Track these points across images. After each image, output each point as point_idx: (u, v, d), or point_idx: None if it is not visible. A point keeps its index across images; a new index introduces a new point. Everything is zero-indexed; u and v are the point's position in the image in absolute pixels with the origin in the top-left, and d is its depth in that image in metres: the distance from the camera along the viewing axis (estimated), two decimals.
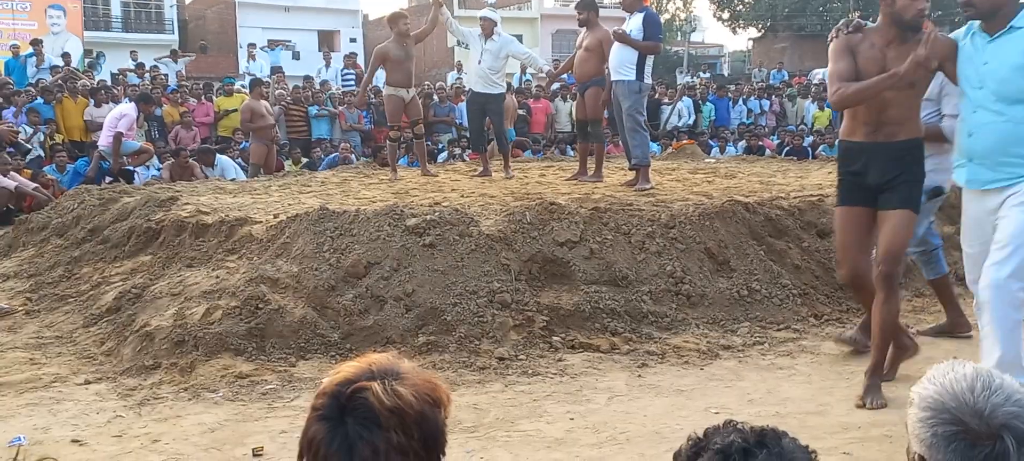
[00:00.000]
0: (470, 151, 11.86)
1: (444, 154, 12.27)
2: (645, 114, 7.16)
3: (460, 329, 4.62)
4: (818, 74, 21.24)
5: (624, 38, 6.79)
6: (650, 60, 6.93)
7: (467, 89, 8.47)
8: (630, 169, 7.28)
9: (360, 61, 18.74)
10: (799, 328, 5.09)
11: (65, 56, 14.82)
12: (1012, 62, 3.48)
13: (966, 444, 1.38)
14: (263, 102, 10.92)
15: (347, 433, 1.29)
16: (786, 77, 19.98)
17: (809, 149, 13.12)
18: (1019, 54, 3.47)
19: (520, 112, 13.43)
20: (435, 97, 14.09)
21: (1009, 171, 3.53)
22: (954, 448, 1.40)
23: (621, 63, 6.86)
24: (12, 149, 9.70)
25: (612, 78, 7.05)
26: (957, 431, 1.40)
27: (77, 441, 3.53)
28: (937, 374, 1.48)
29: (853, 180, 3.98)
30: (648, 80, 7.01)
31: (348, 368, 1.39)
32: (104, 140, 10.13)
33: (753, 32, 39.98)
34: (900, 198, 3.83)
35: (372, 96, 12.07)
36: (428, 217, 5.17)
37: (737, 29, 40.34)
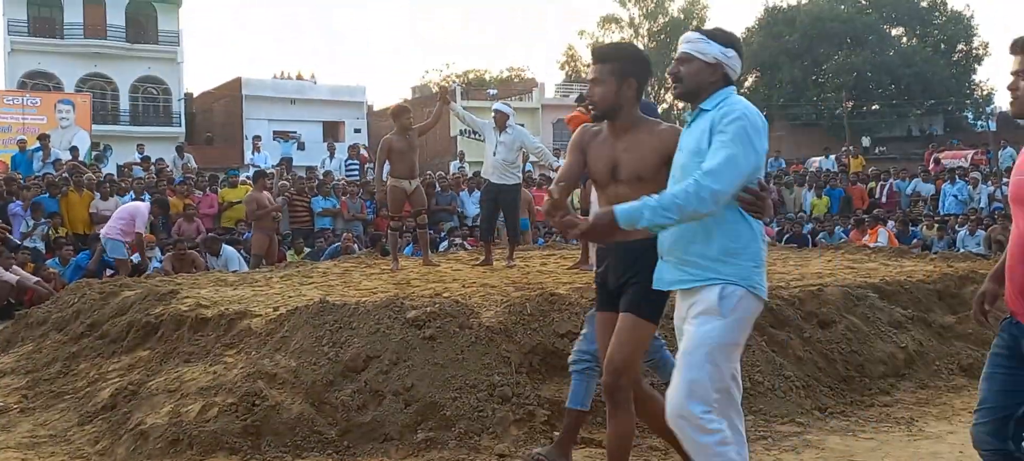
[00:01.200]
0: (471, 238, 11.94)
1: (445, 242, 12.33)
2: None
3: (460, 425, 4.56)
4: (815, 162, 21.54)
5: None
6: None
7: (483, 179, 8.58)
8: None
9: (364, 151, 19.01)
10: (803, 421, 5.02)
11: (73, 150, 15.10)
12: (690, 148, 3.11)
13: None
14: (265, 193, 11.07)
15: None
16: (783, 165, 20.22)
17: (809, 236, 13.17)
18: (696, 140, 3.08)
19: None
20: (437, 186, 14.25)
21: (692, 272, 3.08)
22: None
23: None
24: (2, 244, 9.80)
25: None
26: None
27: None
28: None
29: (599, 283, 3.60)
30: None
31: None
32: (109, 229, 10.21)
33: None
34: (627, 302, 3.34)
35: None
36: (428, 309, 5.16)
37: None
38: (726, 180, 2.88)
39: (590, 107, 3.42)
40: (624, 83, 3.33)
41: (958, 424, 5.09)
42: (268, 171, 15.12)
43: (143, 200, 11.32)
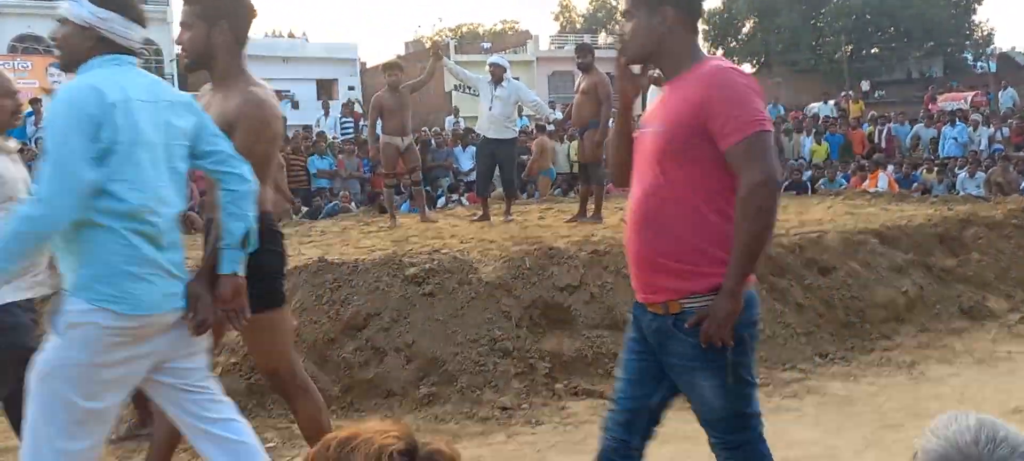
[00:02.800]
0: (470, 194, 11.91)
1: (442, 199, 12.29)
2: None
3: (462, 379, 4.58)
4: (814, 107, 21.40)
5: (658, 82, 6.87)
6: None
7: (478, 134, 8.50)
8: None
9: (358, 109, 18.87)
10: (805, 368, 5.04)
11: None
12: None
13: None
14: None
15: None
16: (782, 112, 20.08)
17: (808, 183, 13.13)
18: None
19: (524, 158, 13.48)
20: (433, 142, 14.16)
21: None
22: None
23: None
24: None
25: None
26: None
27: None
28: (940, 426, 1.44)
29: None
30: None
31: (376, 437, 1.33)
32: None
33: (747, 69, 40.29)
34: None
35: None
36: (427, 266, 5.15)
37: None
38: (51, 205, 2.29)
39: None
40: (215, 28, 2.87)
41: (959, 366, 5.12)
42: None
43: None
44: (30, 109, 14.18)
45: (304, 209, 12.02)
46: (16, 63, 20.78)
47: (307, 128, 16.09)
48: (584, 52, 7.79)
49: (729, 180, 2.32)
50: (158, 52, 34.23)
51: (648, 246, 2.41)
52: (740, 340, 2.34)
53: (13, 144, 3.48)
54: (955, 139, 15.49)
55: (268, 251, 2.89)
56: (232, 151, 2.61)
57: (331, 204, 11.83)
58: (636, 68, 2.54)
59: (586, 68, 7.65)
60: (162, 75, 34.09)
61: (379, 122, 8.04)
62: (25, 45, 31.07)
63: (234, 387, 4.42)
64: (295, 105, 24.31)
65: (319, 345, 4.73)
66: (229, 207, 2.57)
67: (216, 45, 2.90)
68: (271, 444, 4.07)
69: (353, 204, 12.07)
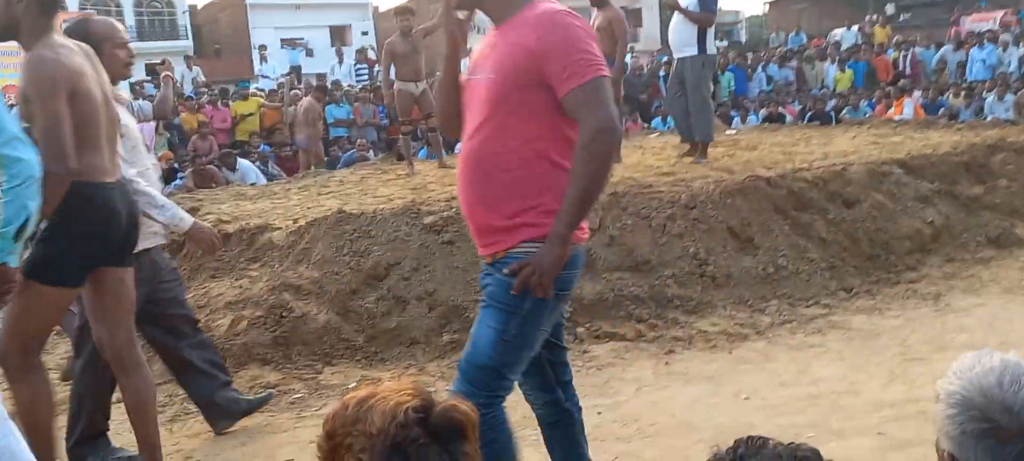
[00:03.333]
0: None
1: (460, 144, 12.22)
2: (710, 88, 7.12)
3: None
4: (837, 34, 20.92)
5: (684, 12, 6.75)
6: (711, 32, 6.87)
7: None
8: (689, 143, 7.19)
9: (372, 55, 18.73)
10: (828, 303, 5.00)
11: None
12: None
13: (995, 443, 1.33)
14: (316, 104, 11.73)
15: (448, 453, 1.28)
16: (804, 40, 19.66)
17: (832, 113, 12.89)
18: None
19: None
20: None
21: None
22: (983, 446, 1.34)
23: (684, 40, 6.82)
24: None
25: (676, 55, 7.06)
26: (986, 429, 1.34)
27: None
28: (964, 368, 1.41)
29: None
30: (711, 52, 6.97)
31: (393, 395, 1.34)
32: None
33: None
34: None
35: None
36: (445, 214, 5.14)
37: None
38: None
39: None
40: None
41: (986, 296, 5.06)
42: (280, 81, 14.99)
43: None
44: None
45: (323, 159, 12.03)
46: None
47: (321, 76, 15.99)
48: None
49: (563, 127, 2.20)
50: (170, 3, 34.06)
51: (480, 198, 2.28)
52: (543, 297, 2.19)
53: (127, 95, 3.48)
54: (983, 61, 15.09)
55: (64, 226, 2.77)
56: (17, 132, 2.42)
57: (349, 153, 11.82)
58: (461, 13, 2.39)
59: (601, 4, 7.47)
60: (176, 26, 34.01)
61: (392, 68, 7.96)
62: None
63: (259, 339, 4.48)
64: (309, 53, 24.19)
65: (342, 296, 4.76)
66: (7, 194, 2.42)
67: (16, 13, 2.75)
68: (298, 394, 4.14)
69: (371, 153, 12.05)
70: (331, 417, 1.35)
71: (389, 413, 1.29)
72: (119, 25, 3.52)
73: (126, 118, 3.38)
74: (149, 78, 15.89)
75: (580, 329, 4.65)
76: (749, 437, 1.17)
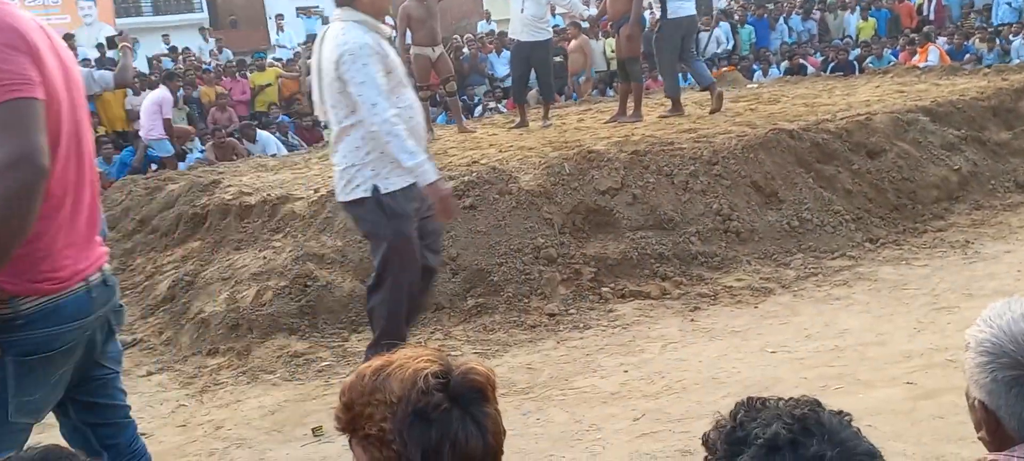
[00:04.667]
0: (508, 101, 11.76)
1: (479, 108, 12.17)
2: (676, 49, 7.38)
3: (508, 289, 4.60)
4: None
5: None
6: None
7: (510, 39, 8.35)
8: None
9: (389, 21, 18.62)
10: (854, 255, 4.96)
11: (100, 47, 15.00)
12: None
13: None
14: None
15: (470, 416, 1.27)
16: None
17: (855, 63, 12.67)
18: None
19: (557, 59, 13.20)
20: (466, 50, 13.93)
21: None
22: (1017, 393, 1.32)
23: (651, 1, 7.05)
24: None
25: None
26: (1018, 375, 1.32)
27: (143, 434, 3.60)
28: (993, 315, 1.39)
29: None
30: (675, 14, 7.21)
31: (410, 362, 1.34)
32: (146, 131, 10.28)
33: None
34: None
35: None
36: (466, 178, 5.13)
37: None
38: None
39: None
40: None
41: (1015, 243, 4.99)
42: (297, 50, 14.93)
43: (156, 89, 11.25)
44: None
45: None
46: (47, 0, 20.81)
47: None
48: None
49: None
50: None
51: None
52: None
53: (388, 30, 3.54)
54: (1009, 4, 14.72)
55: None
56: None
57: None
58: None
59: None
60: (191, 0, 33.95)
61: (409, 34, 7.91)
62: None
63: (285, 309, 4.52)
64: (325, 21, 24.07)
65: (365, 263, 4.77)
66: None
67: None
68: (326, 362, 4.18)
69: (322, 127, 12.01)
70: (348, 388, 1.34)
71: (409, 380, 1.28)
72: None
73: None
74: (166, 52, 15.91)
75: (605, 289, 4.64)
76: (748, 399, 1.16)
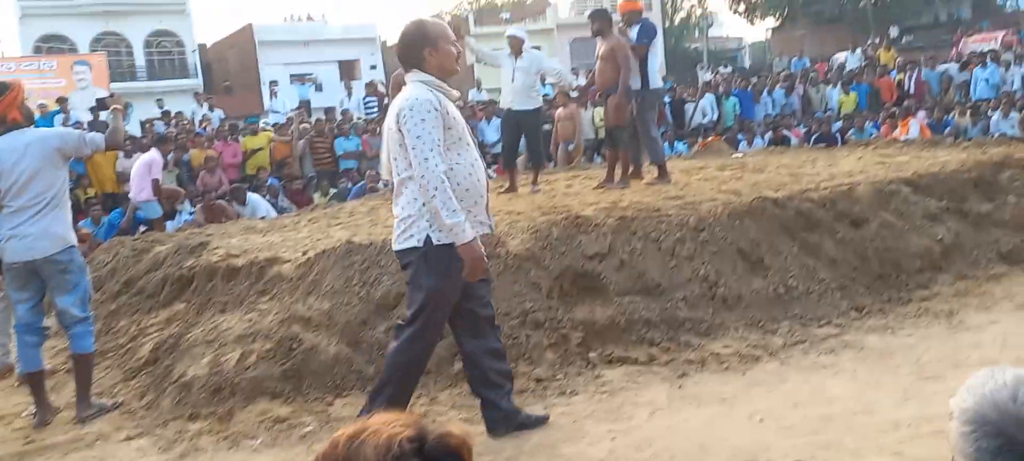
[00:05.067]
0: (497, 167, 11.87)
1: None
2: (655, 118, 7.84)
3: None
4: (841, 57, 20.99)
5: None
6: (654, 65, 7.44)
7: (502, 107, 8.50)
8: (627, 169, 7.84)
9: (382, 88, 18.87)
10: (840, 323, 4.98)
11: (94, 110, 15.10)
12: None
13: (1013, 456, 1.31)
14: None
15: None
16: (808, 64, 19.73)
17: (838, 135, 12.90)
18: None
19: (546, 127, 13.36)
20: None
21: None
22: None
23: (632, 74, 7.38)
24: None
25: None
26: (1001, 444, 1.32)
27: None
28: (977, 384, 1.40)
29: None
30: (655, 85, 7.59)
31: (384, 428, 1.33)
32: (135, 192, 10.30)
33: (771, 22, 39.56)
34: None
35: None
36: None
37: (755, 20, 39.98)
38: None
39: None
40: None
41: (999, 313, 5.03)
42: (289, 115, 15.07)
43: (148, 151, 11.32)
44: (57, 108, 14.38)
45: (332, 191, 12.08)
46: (42, 64, 21.03)
47: (330, 110, 16.11)
48: (597, 19, 7.71)
49: None
50: (180, 43, 34.47)
51: None
52: None
53: (456, 93, 3.72)
54: (987, 80, 15.11)
55: None
56: None
57: (359, 184, 11.86)
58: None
59: (603, 33, 7.58)
60: (186, 65, 34.33)
61: None
62: (50, 45, 31.40)
63: (269, 372, 4.48)
64: (318, 88, 24.37)
65: (352, 326, 4.76)
66: None
67: None
68: (309, 428, 4.12)
69: (381, 183, 12.09)
70: (322, 457, 1.33)
71: (383, 446, 1.26)
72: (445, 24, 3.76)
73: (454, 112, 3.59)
74: (160, 116, 16.01)
75: (592, 354, 4.63)
76: None
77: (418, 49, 3.54)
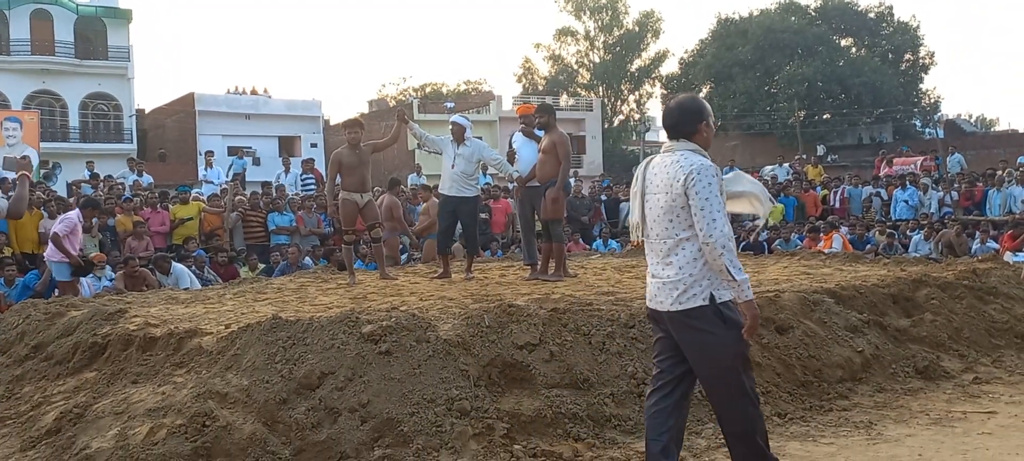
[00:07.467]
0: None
1: (405, 256, 12.20)
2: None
3: (417, 441, 4.46)
4: (769, 169, 21.83)
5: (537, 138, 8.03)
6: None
7: (439, 193, 8.50)
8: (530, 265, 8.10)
9: (319, 166, 18.82)
10: None
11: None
12: None
13: None
14: (397, 200, 11.74)
15: None
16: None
17: (765, 244, 13.31)
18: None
19: (482, 215, 13.47)
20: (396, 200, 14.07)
21: None
22: None
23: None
24: None
25: (528, 185, 8.03)
26: None
27: None
28: None
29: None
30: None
31: None
32: (49, 252, 9.89)
33: None
34: None
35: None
36: (384, 323, 5.06)
37: None
38: None
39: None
40: None
41: (916, 426, 5.14)
42: (223, 187, 14.83)
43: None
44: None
45: (261, 266, 11.85)
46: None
47: (267, 184, 15.94)
48: (545, 112, 7.90)
49: None
50: (118, 107, 33.92)
51: None
52: None
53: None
54: (906, 202, 15.89)
55: None
56: None
57: (281, 264, 11.60)
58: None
59: (547, 127, 7.77)
60: (121, 129, 33.72)
61: (339, 178, 8.00)
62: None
63: (177, 450, 4.26)
64: (256, 161, 24.17)
65: (270, 405, 4.59)
66: None
67: None
68: None
69: (309, 260, 11.91)
70: None
71: None
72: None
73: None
74: (87, 178, 15.58)
75: (517, 447, 4.54)
76: None
77: (697, 121, 3.67)
